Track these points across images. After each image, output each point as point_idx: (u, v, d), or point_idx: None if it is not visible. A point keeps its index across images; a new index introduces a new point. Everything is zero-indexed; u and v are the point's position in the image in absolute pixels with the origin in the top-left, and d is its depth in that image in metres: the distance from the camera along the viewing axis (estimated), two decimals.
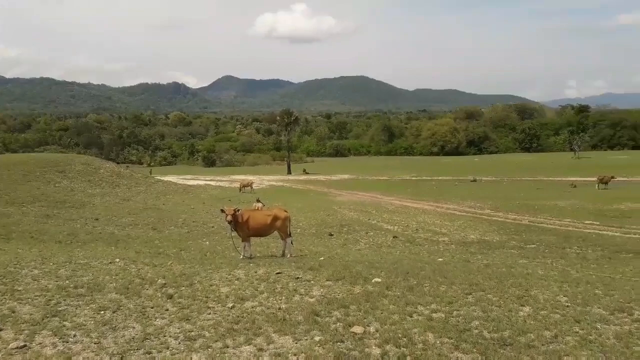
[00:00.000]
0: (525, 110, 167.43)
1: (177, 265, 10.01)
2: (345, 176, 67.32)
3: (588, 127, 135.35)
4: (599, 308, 6.76)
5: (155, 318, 6.55)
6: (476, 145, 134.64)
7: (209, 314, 6.75)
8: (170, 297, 7.48)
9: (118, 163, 71.46)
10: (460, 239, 19.71)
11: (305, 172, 75.81)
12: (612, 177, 43.91)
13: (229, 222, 11.69)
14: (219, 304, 7.15)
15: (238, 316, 6.62)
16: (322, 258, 12.09)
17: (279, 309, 6.89)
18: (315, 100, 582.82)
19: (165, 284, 8.24)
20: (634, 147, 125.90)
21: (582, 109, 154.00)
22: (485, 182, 53.91)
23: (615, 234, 20.00)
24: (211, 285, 8.25)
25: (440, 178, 61.59)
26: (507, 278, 9.14)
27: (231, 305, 7.08)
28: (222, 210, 12.17)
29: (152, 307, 6.97)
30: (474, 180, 55.44)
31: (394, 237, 19.90)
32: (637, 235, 19.02)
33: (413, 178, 62.76)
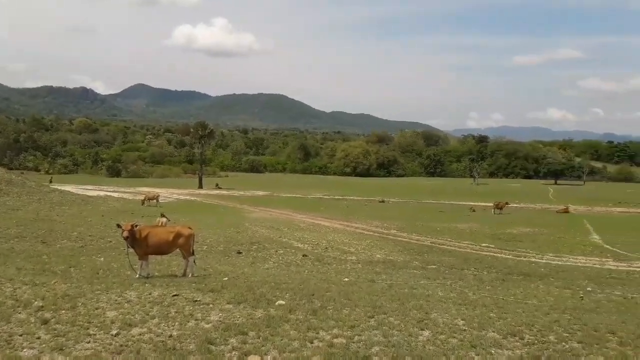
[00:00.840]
0: (431, 137, 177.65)
1: (61, 285, 9.02)
2: (260, 192, 66.59)
3: (486, 156, 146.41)
4: (494, 332, 6.96)
5: (23, 348, 5.72)
6: (386, 168, 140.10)
7: (88, 342, 6.02)
8: (46, 322, 6.62)
9: (11, 169, 65.17)
10: (366, 258, 19.98)
11: (217, 186, 73.99)
12: (507, 203, 47.41)
13: (126, 239, 10.82)
14: (102, 331, 6.43)
15: (121, 345, 5.96)
16: (226, 278, 11.54)
17: (170, 336, 6.32)
18: (232, 114, 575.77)
19: (42, 306, 7.33)
20: (526, 177, 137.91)
21: (481, 139, 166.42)
22: (393, 204, 55.83)
23: (508, 256, 21.36)
24: (96, 309, 7.45)
25: (351, 198, 62.87)
26: (409, 300, 9.23)
27: (115, 332, 6.39)
28: (119, 225, 11.26)
29: (21, 335, 6.10)
30: (382, 201, 57.22)
31: (303, 256, 19.72)
32: (526, 259, 20.44)
33: (326, 197, 63.47)
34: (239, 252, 19.87)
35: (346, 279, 13.53)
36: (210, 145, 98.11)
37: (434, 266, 18.02)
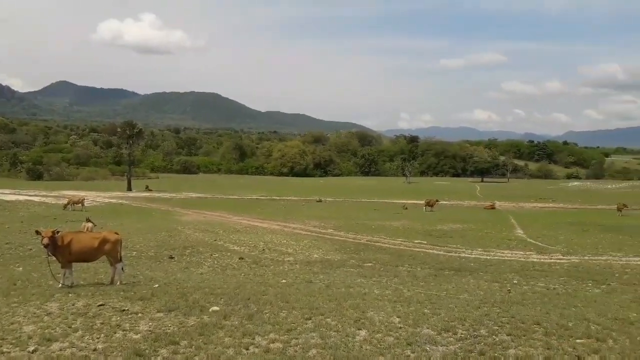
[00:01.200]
0: (365, 137, 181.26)
1: None
2: (193, 194, 64.79)
3: (417, 155, 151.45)
4: (428, 328, 7.09)
5: None
6: (322, 168, 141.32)
7: None
8: None
9: None
10: (304, 259, 19.93)
11: (148, 189, 71.24)
12: (437, 201, 49.18)
13: (46, 246, 10.05)
14: (17, 348, 5.90)
15: None
16: (157, 285, 11.03)
17: (94, 350, 5.90)
18: (163, 113, 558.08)
19: None
20: (455, 175, 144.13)
21: (412, 139, 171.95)
22: (330, 203, 56.27)
23: (440, 252, 22.08)
24: (12, 324, 6.84)
25: (288, 198, 62.68)
26: (346, 299, 9.24)
27: (33, 348, 5.88)
28: (38, 232, 10.46)
29: None
30: (320, 201, 57.53)
31: (240, 259, 19.37)
32: (457, 254, 21.22)
33: (263, 197, 62.90)
34: (171, 257, 19.16)
35: (284, 281, 13.39)
36: (139, 146, 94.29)
37: (370, 264, 18.26)
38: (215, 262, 18.58)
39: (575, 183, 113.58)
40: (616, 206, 45.72)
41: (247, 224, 34.15)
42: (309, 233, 29.22)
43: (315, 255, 20.91)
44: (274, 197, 62.92)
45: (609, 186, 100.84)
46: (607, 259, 18.51)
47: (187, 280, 13.18)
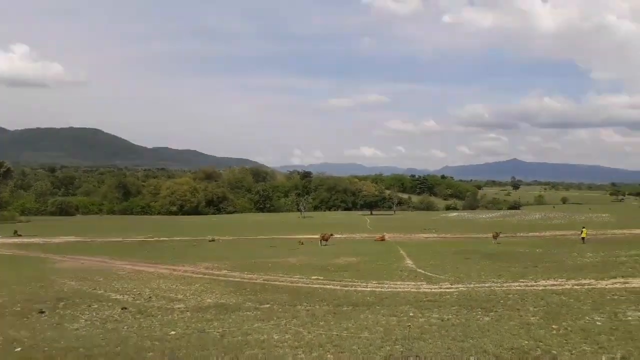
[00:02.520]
0: (259, 173, 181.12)
1: None
2: (70, 238, 59.01)
3: (311, 190, 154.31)
4: None
5: None
6: (215, 205, 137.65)
7: None
8: None
9: None
10: (196, 305, 18.60)
11: (17, 233, 63.79)
12: (332, 235, 49.82)
13: None
14: None
15: None
16: (19, 349, 9.37)
17: None
18: (37, 151, 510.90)
19: None
20: (346, 208, 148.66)
21: (306, 175, 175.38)
22: (224, 242, 54.48)
23: (337, 287, 21.98)
24: None
25: (178, 238, 59.68)
26: (243, 349, 8.52)
27: None
28: None
29: None
30: (213, 240, 55.49)
31: (122, 309, 17.52)
32: (353, 288, 21.25)
33: (150, 239, 59.18)
34: (42, 312, 16.78)
35: (173, 332, 12.21)
36: (7, 186, 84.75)
37: (267, 305, 17.52)
38: (94, 314, 16.59)
39: (454, 214, 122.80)
40: (492, 234, 49.75)
41: (132, 269, 31.53)
42: (201, 276, 27.65)
43: (209, 300, 19.66)
44: (162, 238, 59.53)
45: (483, 216, 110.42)
46: (490, 286, 19.64)
47: (59, 339, 11.45)
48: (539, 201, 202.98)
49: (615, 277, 18.85)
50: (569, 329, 10.05)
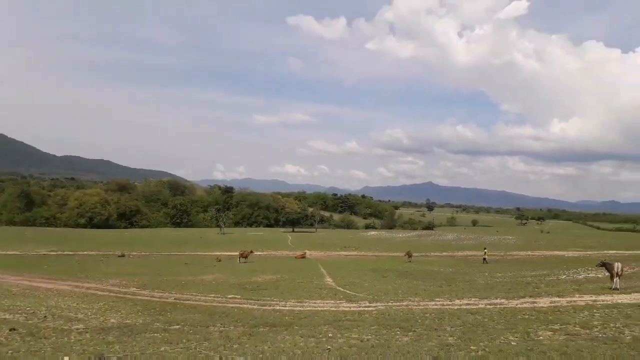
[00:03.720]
0: (177, 187, 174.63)
1: None
2: None
3: (232, 206, 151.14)
4: None
5: None
6: (128, 219, 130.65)
7: None
8: None
9: None
10: (98, 325, 16.91)
11: None
12: (251, 252, 48.68)
13: None
14: None
15: None
16: None
17: None
18: None
19: None
20: (268, 225, 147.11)
21: (227, 190, 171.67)
22: (134, 258, 51.42)
23: (254, 306, 21.09)
24: None
25: (85, 253, 55.60)
26: None
27: None
28: None
29: None
30: (122, 255, 52.23)
31: (10, 330, 15.50)
32: (271, 307, 20.48)
33: (52, 252, 54.62)
34: None
35: (66, 358, 10.80)
36: None
37: (177, 326, 16.28)
38: None
39: (373, 232, 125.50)
40: (405, 253, 50.89)
41: (28, 285, 28.59)
42: (106, 293, 25.54)
43: (113, 320, 17.98)
44: (67, 252, 55.15)
45: (400, 235, 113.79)
46: (407, 304, 19.72)
47: None
48: (451, 223, 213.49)
49: (524, 297, 19.65)
50: (487, 349, 10.04)
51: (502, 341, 11.06)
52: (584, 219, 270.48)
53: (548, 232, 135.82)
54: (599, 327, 12.25)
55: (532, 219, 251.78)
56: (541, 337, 11.32)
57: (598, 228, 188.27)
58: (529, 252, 61.87)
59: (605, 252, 58.31)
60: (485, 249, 51.36)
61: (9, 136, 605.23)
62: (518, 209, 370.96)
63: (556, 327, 12.57)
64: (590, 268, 32.97)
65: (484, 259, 47.21)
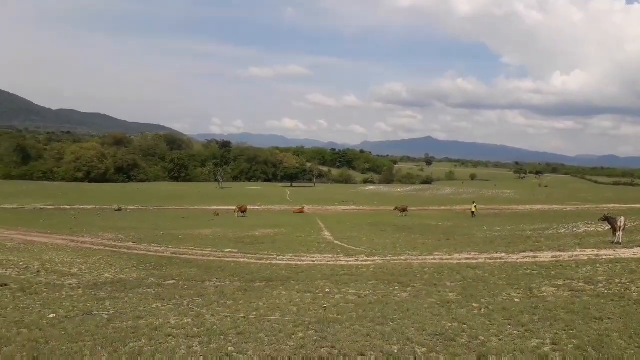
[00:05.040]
0: (174, 141, 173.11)
1: None
2: None
3: (230, 160, 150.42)
4: None
5: None
6: (125, 173, 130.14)
7: None
8: None
9: None
10: (91, 280, 16.62)
11: None
12: (245, 207, 48.17)
13: None
14: None
15: None
16: None
17: None
18: None
19: None
20: (266, 180, 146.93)
21: (225, 144, 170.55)
22: (131, 212, 51.20)
23: (251, 260, 20.83)
24: None
25: (81, 207, 55.35)
26: (126, 340, 7.10)
27: None
28: None
29: None
30: (119, 210, 51.99)
31: (2, 285, 15.17)
32: (268, 262, 20.20)
33: (49, 207, 54.38)
34: None
35: (52, 315, 10.41)
36: None
37: (172, 281, 15.98)
38: None
39: (371, 187, 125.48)
40: (395, 208, 49.62)
41: (23, 240, 28.30)
42: (102, 248, 25.28)
43: (107, 275, 17.70)
44: (63, 206, 54.87)
45: (398, 190, 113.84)
46: (406, 259, 19.44)
47: None
48: (450, 177, 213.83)
49: (524, 251, 19.33)
50: (490, 307, 9.62)
51: (505, 297, 10.68)
52: (582, 173, 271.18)
53: (546, 186, 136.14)
54: (604, 282, 11.87)
55: (531, 172, 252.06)
56: (545, 294, 10.93)
57: (596, 182, 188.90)
58: (528, 206, 61.77)
59: (603, 205, 58.22)
60: (474, 202, 50.91)
61: (3, 89, 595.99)
62: (517, 163, 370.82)
63: (560, 282, 12.19)
64: (590, 222, 32.72)
65: (472, 212, 46.85)
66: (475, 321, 8.48)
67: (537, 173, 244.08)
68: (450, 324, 8.34)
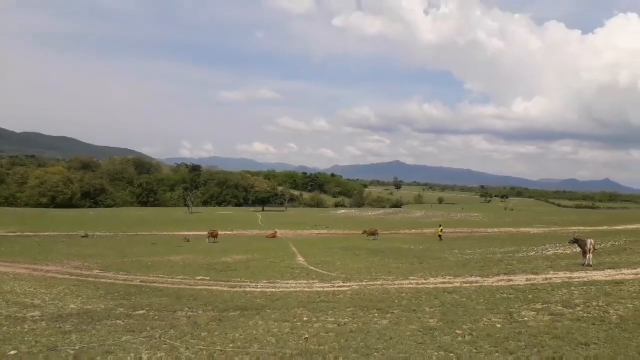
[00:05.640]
0: (142, 165, 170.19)
1: None
2: None
3: (200, 184, 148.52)
4: None
5: None
6: (92, 198, 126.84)
7: None
8: None
9: None
10: (55, 312, 15.79)
11: None
12: (216, 232, 47.36)
13: None
14: None
15: None
16: None
17: None
18: None
19: None
20: (237, 204, 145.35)
21: (194, 168, 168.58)
22: (98, 238, 49.61)
23: (224, 288, 20.28)
24: None
25: (46, 233, 53.36)
26: None
27: None
28: None
29: None
30: (86, 236, 50.33)
31: None
32: (242, 289, 19.70)
33: (11, 234, 52.23)
34: None
35: (13, 352, 9.75)
36: None
37: (142, 311, 15.34)
38: None
39: (342, 211, 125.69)
40: (363, 231, 49.41)
41: None
42: (67, 277, 24.22)
43: (72, 306, 16.87)
44: (27, 233, 52.78)
45: (369, 213, 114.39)
46: (382, 284, 19.28)
47: None
48: (418, 200, 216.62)
49: (498, 274, 19.45)
50: (474, 334, 9.50)
51: (487, 323, 10.60)
52: (545, 196, 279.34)
53: (512, 209, 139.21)
54: (582, 305, 11.95)
55: (496, 196, 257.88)
56: (526, 318, 10.91)
57: (559, 205, 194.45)
58: (496, 229, 62.88)
59: (568, 228, 59.79)
60: (440, 225, 51.42)
61: None
62: (482, 186, 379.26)
63: (538, 306, 12.22)
64: (559, 244, 33.42)
65: (439, 235, 47.15)
66: (461, 349, 8.34)
67: (502, 197, 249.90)
68: (436, 353, 8.16)
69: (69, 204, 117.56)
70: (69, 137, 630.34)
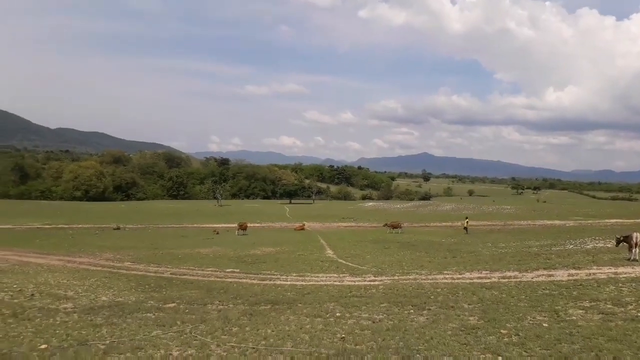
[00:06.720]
0: (172, 159, 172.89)
1: None
2: None
3: (228, 178, 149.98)
4: None
5: None
6: (124, 191, 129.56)
7: None
8: None
9: None
10: (87, 304, 15.84)
11: None
12: (245, 225, 47.41)
13: None
14: None
15: None
16: None
17: None
18: None
19: None
20: (264, 197, 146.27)
21: (223, 162, 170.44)
22: (130, 230, 50.38)
23: (254, 281, 20.09)
24: None
25: (79, 226, 54.52)
26: None
27: None
28: None
29: None
30: (118, 228, 51.18)
31: None
32: (272, 282, 19.46)
33: (46, 226, 53.58)
34: None
35: (44, 346, 9.66)
36: None
37: (172, 304, 15.21)
38: None
39: (370, 203, 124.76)
40: (384, 224, 48.48)
41: (17, 260, 27.48)
42: (99, 268, 24.49)
43: (104, 298, 16.92)
44: (61, 226, 54.01)
45: (397, 206, 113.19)
46: (415, 278, 18.72)
47: None
48: (448, 193, 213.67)
49: (537, 269, 18.62)
50: (520, 334, 8.89)
51: (532, 322, 9.96)
52: (579, 188, 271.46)
53: (545, 202, 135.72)
54: (633, 304, 11.16)
55: (528, 188, 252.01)
56: (574, 317, 10.22)
57: (594, 197, 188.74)
58: (529, 222, 61.13)
59: (605, 220, 57.66)
60: (466, 218, 49.94)
61: (1, 109, 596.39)
62: (513, 178, 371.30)
63: (586, 304, 11.48)
64: (598, 237, 32.09)
65: (465, 228, 45.84)
66: (510, 351, 7.77)
67: (534, 189, 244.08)
68: (483, 356, 7.63)
69: (101, 197, 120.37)
70: (100, 133, 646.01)
